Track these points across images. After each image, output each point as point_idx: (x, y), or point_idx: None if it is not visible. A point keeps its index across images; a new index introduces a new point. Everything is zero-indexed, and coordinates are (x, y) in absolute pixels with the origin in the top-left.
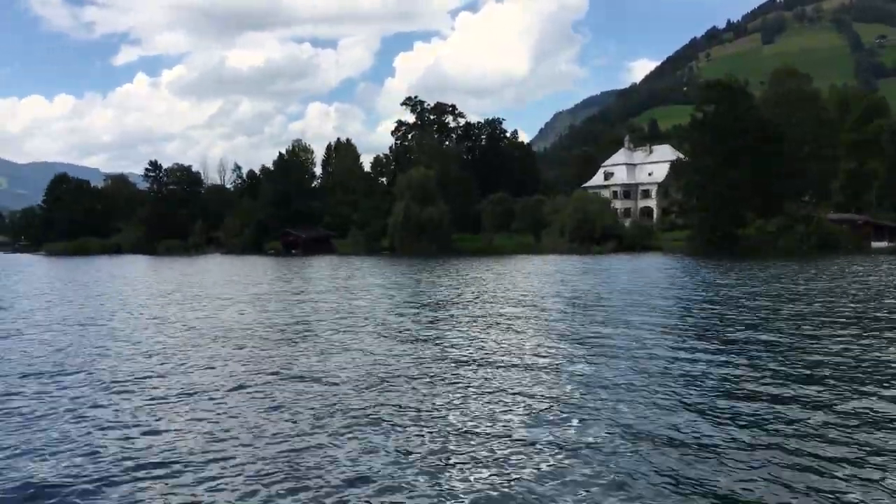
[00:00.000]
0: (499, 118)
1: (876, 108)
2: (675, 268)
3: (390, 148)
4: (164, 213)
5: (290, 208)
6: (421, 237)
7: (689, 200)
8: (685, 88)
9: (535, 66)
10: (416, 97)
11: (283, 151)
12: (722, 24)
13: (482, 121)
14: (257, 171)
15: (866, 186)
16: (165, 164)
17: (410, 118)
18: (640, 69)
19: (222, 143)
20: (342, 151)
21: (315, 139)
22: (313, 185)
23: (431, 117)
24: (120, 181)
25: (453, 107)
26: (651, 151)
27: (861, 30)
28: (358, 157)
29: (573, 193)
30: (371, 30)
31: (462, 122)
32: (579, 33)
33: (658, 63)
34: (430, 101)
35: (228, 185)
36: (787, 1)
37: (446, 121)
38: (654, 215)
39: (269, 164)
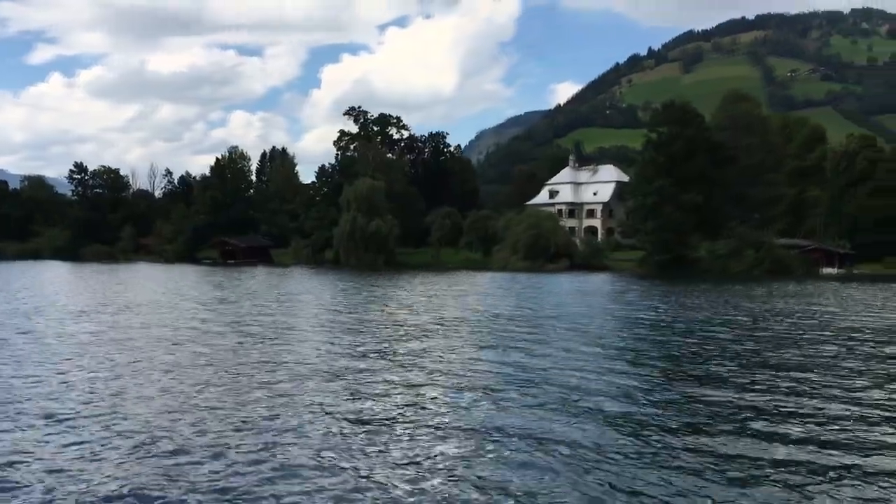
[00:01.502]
0: (442, 132)
1: (816, 137)
2: (635, 289)
3: (336, 157)
4: (89, 217)
5: (227, 216)
6: (367, 250)
7: (640, 221)
8: (608, 112)
9: (462, 84)
10: (359, 107)
11: (220, 157)
12: (644, 52)
13: (426, 134)
14: (188, 178)
15: (808, 213)
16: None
17: (353, 128)
18: (564, 91)
19: (139, 147)
20: (278, 160)
21: (233, 148)
22: (247, 193)
23: (375, 128)
24: (38, 183)
25: (398, 118)
26: (596, 171)
27: (774, 63)
28: (295, 166)
29: (526, 210)
30: (298, 40)
31: (406, 134)
32: (505, 54)
33: (581, 86)
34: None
35: (158, 191)
36: (706, 32)
37: (390, 132)
38: (599, 235)
39: (191, 171)
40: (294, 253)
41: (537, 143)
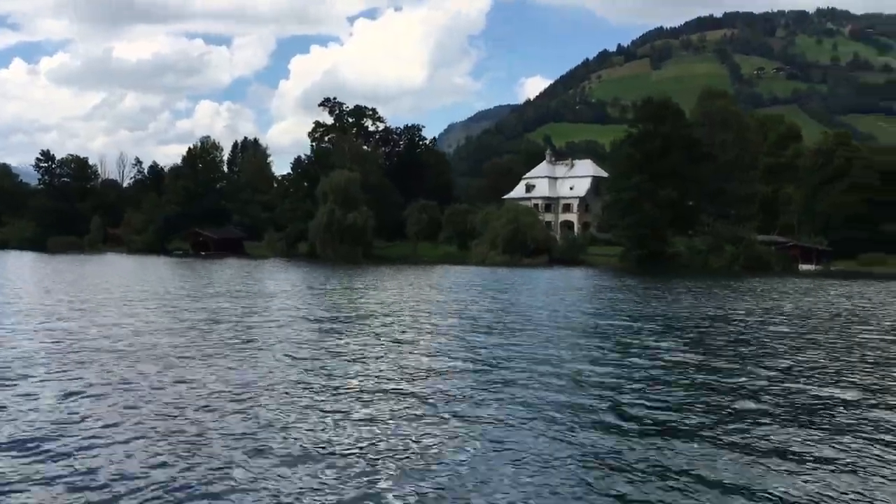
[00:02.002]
0: (418, 124)
1: (791, 135)
2: (618, 285)
3: (311, 148)
4: (57, 207)
5: (200, 207)
6: (343, 243)
7: (618, 217)
8: (577, 107)
9: (432, 77)
10: (334, 98)
11: (192, 147)
12: (613, 48)
13: (401, 126)
14: (157, 167)
15: (782, 210)
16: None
17: (328, 119)
18: (533, 86)
19: (103, 136)
20: (250, 151)
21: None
22: (219, 185)
23: (350, 120)
24: (2, 171)
25: (373, 110)
26: (572, 166)
27: (741, 61)
28: (267, 157)
29: (504, 204)
30: (267, 30)
31: (381, 126)
32: (475, 47)
33: (551, 81)
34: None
35: (127, 181)
36: (675, 29)
37: (365, 124)
38: (575, 229)
39: (157, 161)
40: (268, 245)
41: (507, 137)
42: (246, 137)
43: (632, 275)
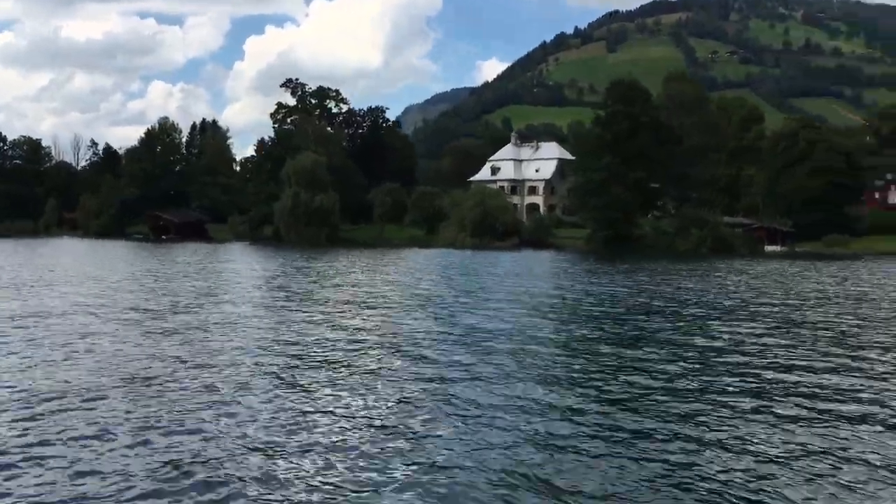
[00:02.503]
0: (381, 106)
1: (753, 117)
2: (588, 267)
3: (274, 130)
4: (10, 190)
5: (159, 189)
6: (309, 226)
7: (587, 198)
8: (535, 89)
9: (389, 59)
10: (296, 79)
11: (151, 128)
12: (570, 31)
13: (364, 108)
14: (111, 149)
15: (744, 192)
16: None
17: (291, 101)
18: (490, 69)
19: (53, 117)
20: (209, 133)
21: (157, 119)
22: (178, 167)
23: (313, 101)
24: None
25: (336, 91)
26: (538, 148)
27: (696, 44)
28: (228, 138)
29: (472, 187)
30: (221, 10)
31: (344, 108)
32: (432, 30)
33: (508, 64)
34: (282, 88)
35: (82, 163)
36: (630, 13)
37: (328, 106)
38: (541, 211)
39: (110, 143)
40: (232, 228)
41: (465, 120)
42: (204, 119)
43: (603, 257)
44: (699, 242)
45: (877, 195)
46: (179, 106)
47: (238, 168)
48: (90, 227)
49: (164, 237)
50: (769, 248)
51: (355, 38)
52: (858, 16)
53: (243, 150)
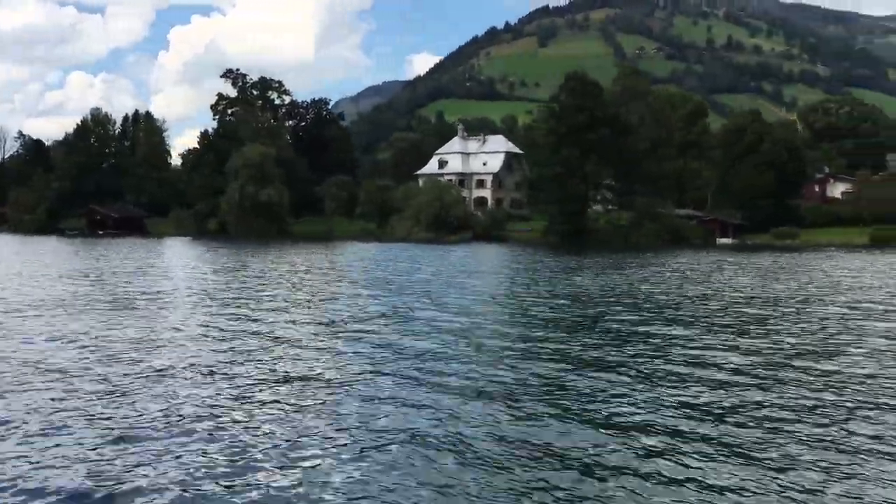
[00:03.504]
0: (325, 98)
1: (698, 112)
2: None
3: (216, 121)
4: None
5: (94, 183)
6: (257, 220)
7: (542, 192)
8: (468, 83)
9: (319, 51)
10: (237, 70)
11: (85, 119)
12: (501, 25)
13: (307, 100)
14: (35, 141)
15: (690, 185)
16: None
17: (232, 92)
18: (421, 62)
19: None
20: (143, 124)
21: (76, 112)
22: (113, 159)
23: (254, 92)
24: None
25: (279, 83)
26: (485, 141)
27: (623, 40)
28: (164, 131)
29: (426, 180)
30: None
31: (287, 99)
32: (364, 22)
33: (439, 57)
34: (208, 79)
35: (5, 156)
36: (560, 8)
37: (271, 97)
38: (489, 205)
39: (28, 134)
40: (176, 223)
41: (399, 113)
42: (137, 110)
43: (562, 250)
44: (655, 235)
45: (816, 188)
46: (101, 97)
47: (172, 161)
48: (23, 223)
49: (100, 232)
50: (721, 240)
51: (284, 30)
52: (774, 14)
53: (170, 141)
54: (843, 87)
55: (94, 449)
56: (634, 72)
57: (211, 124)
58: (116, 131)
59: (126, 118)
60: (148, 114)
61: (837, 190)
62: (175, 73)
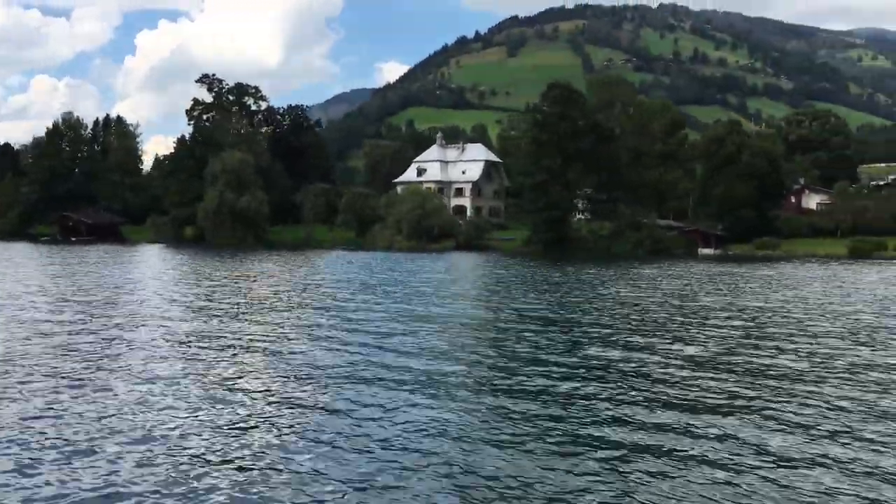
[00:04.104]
0: (301, 105)
1: (676, 122)
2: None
3: (194, 127)
4: None
5: (67, 188)
6: (236, 227)
7: (518, 201)
8: (438, 92)
9: (288, 58)
10: (213, 75)
11: (57, 123)
12: (471, 34)
13: (284, 107)
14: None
15: (670, 195)
16: None
17: (207, 97)
18: (390, 71)
19: None
20: (114, 128)
21: (39, 116)
22: (84, 165)
23: (230, 98)
24: None
25: (256, 88)
26: (464, 150)
27: (592, 52)
28: (137, 136)
29: (399, 188)
30: (110, 2)
31: (264, 105)
32: (332, 30)
33: (408, 66)
34: (175, 85)
35: None
36: (530, 18)
37: (247, 103)
38: (468, 214)
39: None
40: (154, 229)
41: (369, 121)
42: (108, 114)
43: (552, 260)
44: (638, 244)
45: (792, 199)
46: (64, 101)
47: (143, 166)
48: None
49: (73, 239)
50: (703, 250)
51: (253, 36)
52: (739, 28)
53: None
54: (805, 101)
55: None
56: (619, 80)
57: (178, 130)
58: (87, 135)
59: (97, 122)
60: (119, 118)
61: (812, 201)
62: (141, 78)
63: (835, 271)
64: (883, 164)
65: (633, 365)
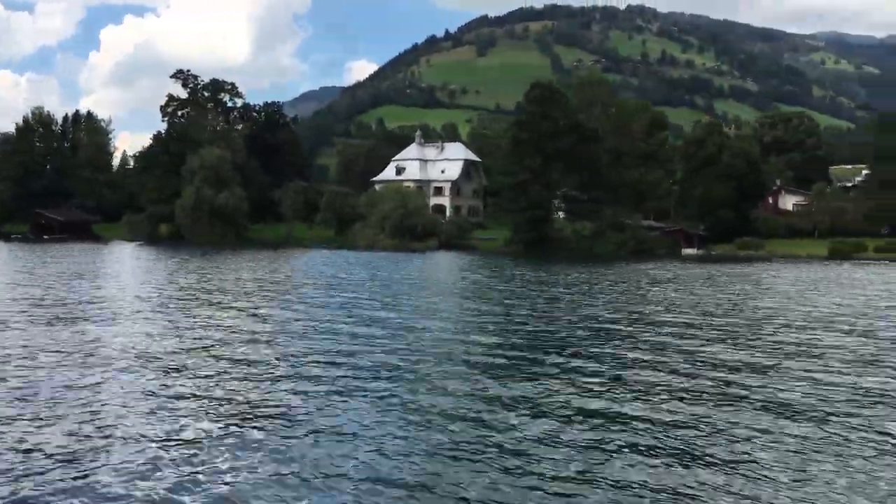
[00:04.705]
0: (277, 101)
1: (657, 123)
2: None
3: (169, 124)
4: None
5: (40, 185)
6: (214, 225)
7: (498, 200)
8: (408, 90)
9: (256, 55)
10: (188, 70)
11: (27, 119)
12: (440, 34)
13: (260, 104)
14: None
15: (650, 195)
16: None
17: (182, 93)
18: (359, 69)
19: None
20: (83, 124)
21: (2, 112)
22: (56, 162)
23: (206, 94)
24: None
25: (232, 85)
26: (443, 149)
27: (561, 52)
28: (109, 132)
29: (378, 187)
30: None
31: (239, 102)
32: (301, 27)
33: (377, 64)
34: (141, 80)
35: None
36: (499, 18)
37: (223, 99)
38: (447, 213)
39: None
40: (130, 227)
41: (338, 119)
42: (77, 110)
43: (536, 261)
44: (621, 245)
45: (769, 200)
46: (27, 98)
47: (115, 162)
48: None
49: (45, 237)
50: (686, 250)
51: (220, 33)
52: (706, 31)
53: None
54: (771, 103)
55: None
56: (601, 80)
57: (145, 126)
58: (58, 131)
59: (66, 118)
60: (90, 113)
61: (789, 202)
62: (106, 73)
63: (838, 272)
64: (849, 166)
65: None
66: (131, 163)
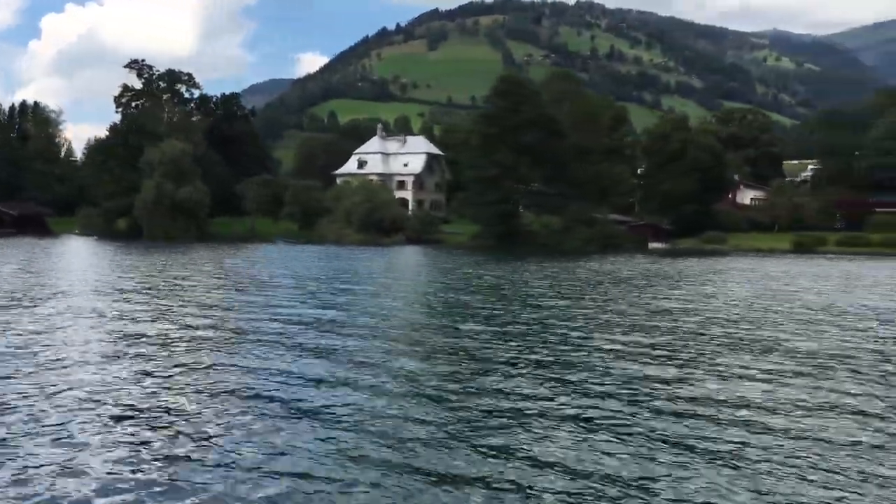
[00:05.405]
0: (235, 93)
1: (619, 118)
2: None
3: (121, 115)
4: None
5: None
6: (175, 219)
7: (463, 194)
8: (360, 84)
9: (202, 47)
10: (142, 60)
11: None
12: (392, 27)
13: (217, 95)
14: None
15: (613, 190)
16: None
17: (137, 83)
18: (309, 62)
19: None
20: (30, 114)
21: None
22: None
23: (161, 84)
24: None
25: (189, 75)
26: (405, 142)
27: (512, 47)
28: (59, 123)
29: (340, 181)
30: None
31: (197, 93)
32: (248, 19)
33: (327, 57)
34: (83, 71)
35: None
36: (450, 12)
37: (180, 90)
38: (409, 207)
39: None
40: (83, 221)
41: (289, 112)
42: (24, 100)
43: (514, 256)
44: (590, 239)
45: (729, 194)
46: None
47: (63, 154)
48: None
49: None
50: (653, 244)
51: (165, 24)
52: (652, 27)
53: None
54: (716, 100)
55: None
56: (566, 74)
57: (88, 117)
58: (4, 121)
59: (12, 108)
60: (37, 104)
61: (747, 197)
62: (47, 63)
63: (819, 264)
64: (796, 161)
65: None
66: (78, 154)
